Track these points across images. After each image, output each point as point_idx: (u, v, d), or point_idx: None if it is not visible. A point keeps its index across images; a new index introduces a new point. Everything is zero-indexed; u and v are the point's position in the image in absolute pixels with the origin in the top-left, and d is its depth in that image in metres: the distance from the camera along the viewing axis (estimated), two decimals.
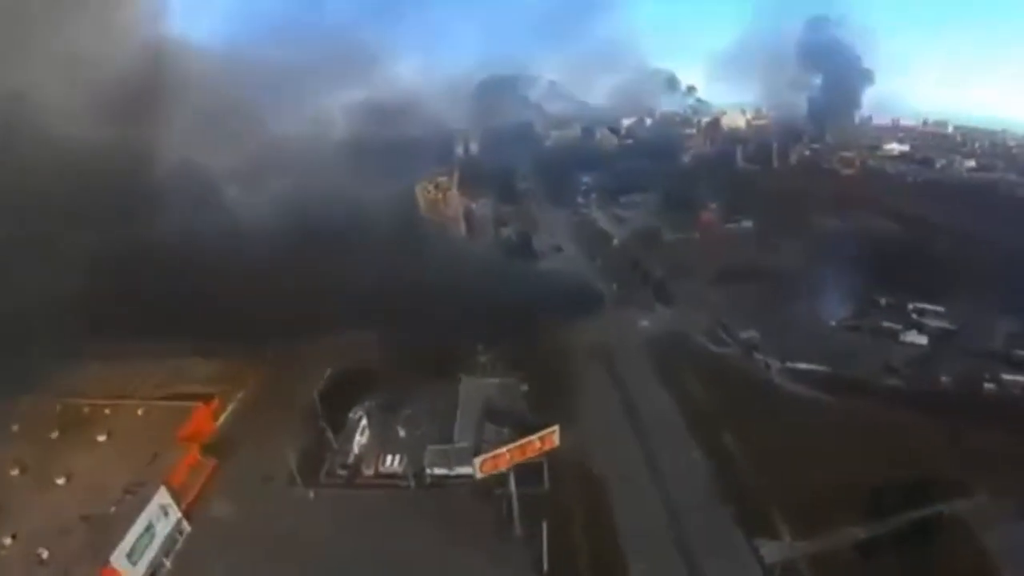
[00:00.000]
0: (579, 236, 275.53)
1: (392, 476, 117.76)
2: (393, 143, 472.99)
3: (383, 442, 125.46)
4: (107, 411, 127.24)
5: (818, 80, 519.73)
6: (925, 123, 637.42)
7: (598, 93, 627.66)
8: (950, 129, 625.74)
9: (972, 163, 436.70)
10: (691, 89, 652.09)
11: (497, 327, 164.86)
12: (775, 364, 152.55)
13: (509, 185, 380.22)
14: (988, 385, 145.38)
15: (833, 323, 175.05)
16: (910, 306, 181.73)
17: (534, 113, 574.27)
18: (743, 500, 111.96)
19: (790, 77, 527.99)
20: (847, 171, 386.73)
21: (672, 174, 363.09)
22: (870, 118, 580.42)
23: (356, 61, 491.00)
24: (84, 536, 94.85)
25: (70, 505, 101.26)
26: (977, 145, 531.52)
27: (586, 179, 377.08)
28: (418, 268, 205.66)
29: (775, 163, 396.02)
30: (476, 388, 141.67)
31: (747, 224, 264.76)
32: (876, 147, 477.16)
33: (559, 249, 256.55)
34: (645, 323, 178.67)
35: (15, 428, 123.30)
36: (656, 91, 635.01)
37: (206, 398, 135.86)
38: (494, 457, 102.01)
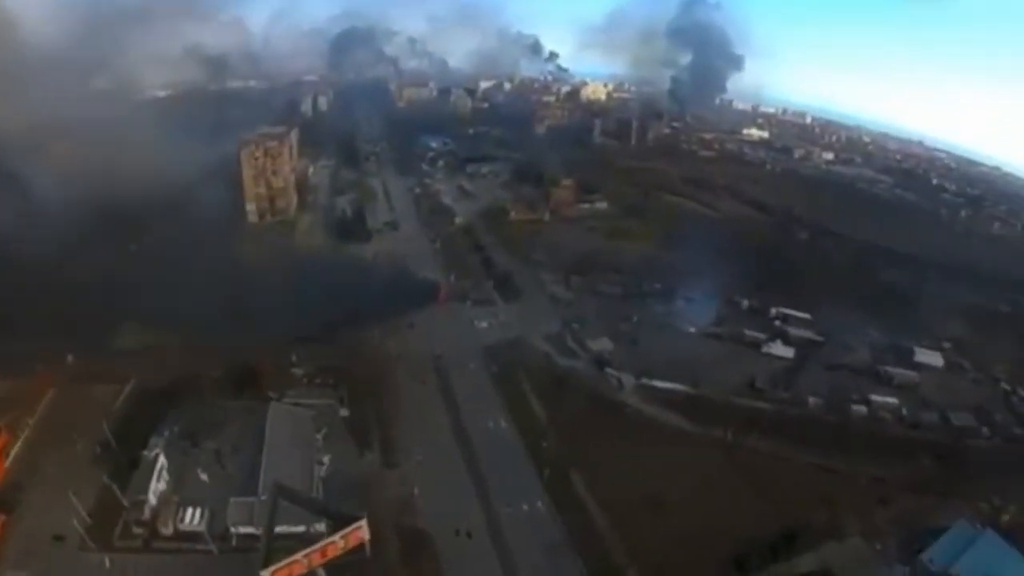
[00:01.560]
0: (420, 210, 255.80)
1: (193, 536, 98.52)
2: (228, 97, 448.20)
3: (183, 487, 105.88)
4: None
5: (686, 60, 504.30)
6: (784, 112, 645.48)
7: (459, 54, 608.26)
8: (808, 120, 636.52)
9: (830, 155, 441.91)
10: (553, 56, 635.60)
11: (317, 328, 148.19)
12: (628, 381, 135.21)
13: (353, 147, 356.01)
14: (856, 407, 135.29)
15: (693, 330, 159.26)
16: (773, 311, 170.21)
17: (390, 70, 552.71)
18: (591, 556, 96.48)
19: (658, 54, 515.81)
20: (706, 153, 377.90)
21: (526, 144, 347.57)
22: (731, 102, 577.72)
23: (195, 3, 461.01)
24: None
25: None
26: (835, 138, 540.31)
27: (434, 144, 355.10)
28: (231, 255, 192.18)
29: (633, 140, 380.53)
30: (286, 417, 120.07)
31: (601, 205, 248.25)
32: (735, 132, 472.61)
33: (395, 227, 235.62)
34: (484, 324, 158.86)
35: None
36: (518, 56, 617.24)
37: None
38: (289, 566, 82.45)
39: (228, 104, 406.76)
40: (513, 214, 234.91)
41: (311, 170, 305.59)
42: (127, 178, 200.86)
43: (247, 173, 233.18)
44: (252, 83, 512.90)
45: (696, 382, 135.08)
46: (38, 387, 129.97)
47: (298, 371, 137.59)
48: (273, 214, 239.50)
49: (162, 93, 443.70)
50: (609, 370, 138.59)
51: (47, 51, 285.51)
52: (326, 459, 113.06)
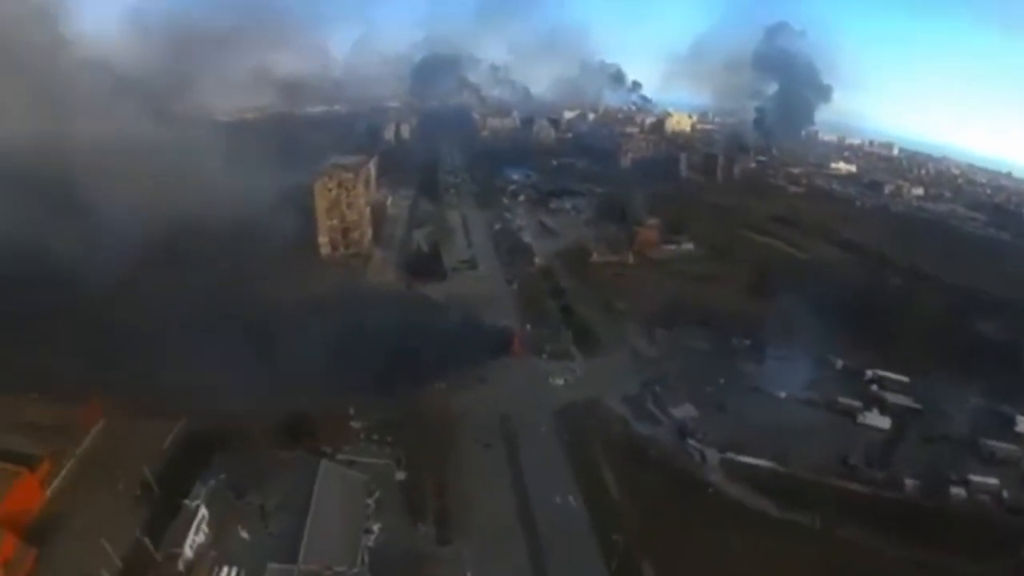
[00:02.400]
0: (499, 248, 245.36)
1: None
2: (310, 122, 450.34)
3: (222, 543, 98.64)
4: None
5: (772, 91, 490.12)
6: (871, 144, 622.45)
7: (541, 82, 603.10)
8: (895, 151, 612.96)
9: (920, 191, 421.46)
10: (636, 85, 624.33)
11: (380, 377, 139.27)
12: (712, 455, 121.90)
13: (434, 178, 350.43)
14: (955, 490, 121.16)
15: (783, 394, 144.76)
16: (869, 373, 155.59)
17: (473, 97, 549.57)
18: None
19: (743, 84, 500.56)
20: (794, 189, 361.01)
21: (610, 177, 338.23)
22: (816, 133, 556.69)
23: (276, 28, 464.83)
24: None
25: None
26: (923, 171, 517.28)
27: (516, 176, 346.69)
28: (298, 290, 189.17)
29: (719, 175, 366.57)
30: (337, 478, 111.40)
31: (687, 246, 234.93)
32: (822, 165, 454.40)
33: (472, 266, 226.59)
34: (559, 382, 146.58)
35: None
36: (601, 85, 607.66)
37: (33, 461, 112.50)
38: None
39: (309, 129, 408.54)
40: (595, 255, 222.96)
41: (389, 200, 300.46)
42: (199, 204, 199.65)
43: (320, 205, 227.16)
44: (336, 107, 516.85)
45: (784, 457, 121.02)
46: (88, 417, 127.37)
47: (356, 424, 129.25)
48: (346, 247, 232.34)
49: (249, 115, 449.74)
50: (691, 441, 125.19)
51: (126, 74, 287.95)
52: (376, 527, 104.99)
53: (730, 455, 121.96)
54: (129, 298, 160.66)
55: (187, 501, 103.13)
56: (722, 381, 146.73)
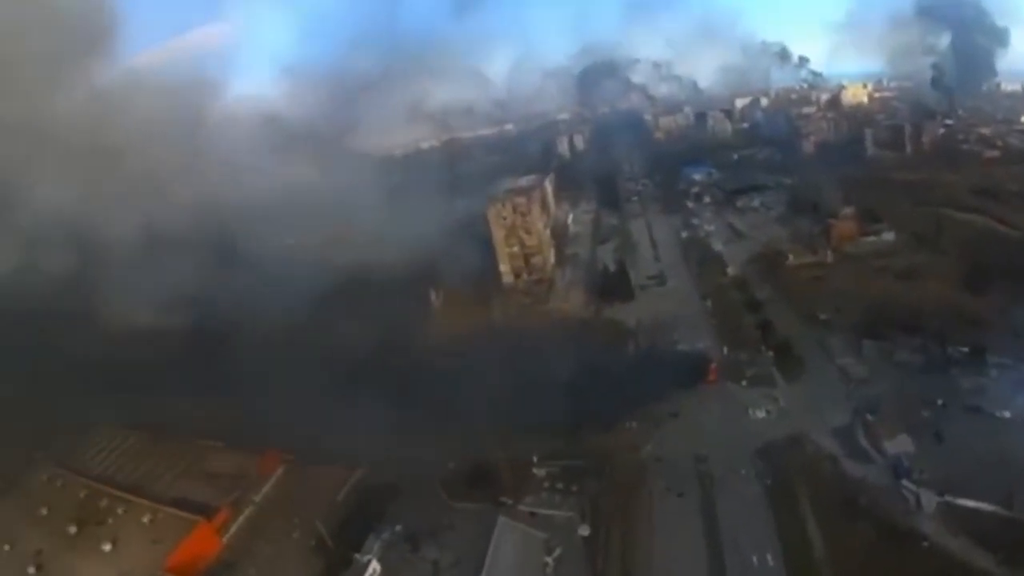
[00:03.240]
0: (687, 258, 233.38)
1: None
2: (483, 145, 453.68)
3: None
4: (120, 510, 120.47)
5: (944, 43, 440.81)
6: None
7: (706, 72, 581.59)
8: None
9: None
10: (803, 61, 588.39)
11: (565, 418, 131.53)
12: (929, 499, 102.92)
13: (614, 188, 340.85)
14: None
15: (1008, 414, 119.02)
16: None
17: (642, 99, 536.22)
18: None
19: (913, 42, 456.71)
20: (989, 153, 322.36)
21: (794, 166, 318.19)
22: (999, 84, 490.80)
23: (437, 61, 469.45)
24: None
25: None
26: None
27: (697, 176, 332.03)
28: (478, 327, 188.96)
29: (908, 148, 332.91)
30: (514, 536, 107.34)
31: (888, 236, 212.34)
32: (1010, 121, 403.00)
33: (661, 281, 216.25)
34: (760, 414, 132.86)
35: (43, 512, 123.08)
36: (767, 66, 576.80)
37: (211, 510, 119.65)
38: None
39: (482, 153, 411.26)
40: (791, 258, 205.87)
41: (570, 218, 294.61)
42: (371, 244, 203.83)
43: (497, 233, 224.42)
44: (508, 127, 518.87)
45: (1010, 499, 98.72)
46: (266, 465, 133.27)
47: (539, 472, 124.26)
48: (529, 273, 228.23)
49: (423, 145, 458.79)
50: (906, 483, 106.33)
51: (293, 126, 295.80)
52: None
53: (948, 498, 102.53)
54: (304, 347, 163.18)
55: (359, 555, 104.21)
56: (940, 402, 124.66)
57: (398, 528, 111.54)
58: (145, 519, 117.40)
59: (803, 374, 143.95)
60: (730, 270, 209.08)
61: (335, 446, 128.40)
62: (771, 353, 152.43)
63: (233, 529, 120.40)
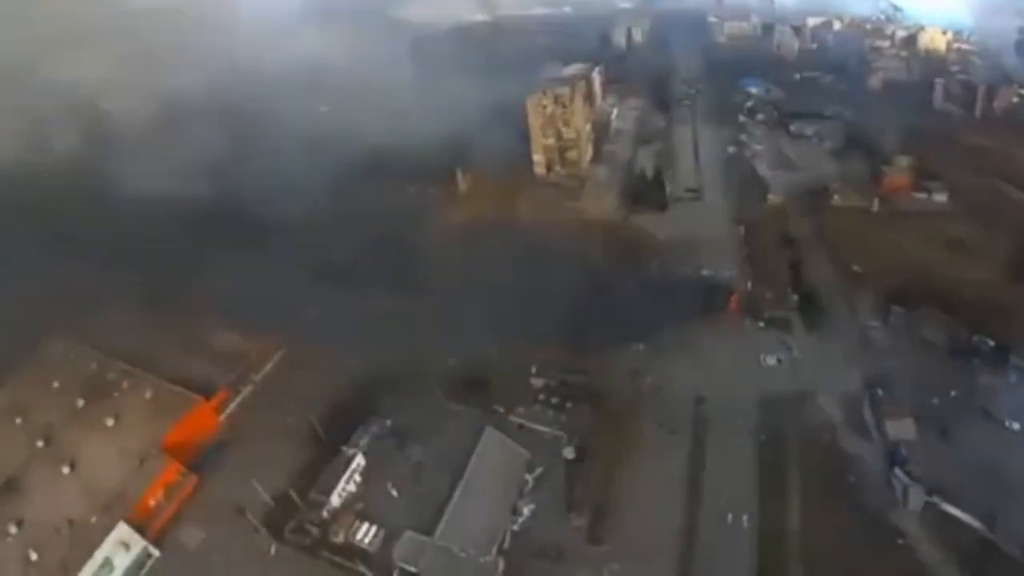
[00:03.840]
0: (729, 176, 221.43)
1: (359, 555, 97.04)
2: (539, 24, 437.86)
3: (368, 497, 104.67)
4: (125, 384, 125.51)
5: None
6: None
7: None
8: None
9: None
10: None
11: (574, 328, 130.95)
12: (916, 496, 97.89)
13: (666, 89, 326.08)
14: None
15: (1016, 426, 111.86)
16: None
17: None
18: None
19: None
20: None
21: (858, 100, 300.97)
22: None
23: None
24: (65, 545, 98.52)
25: (64, 501, 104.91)
26: None
27: (754, 90, 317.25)
28: (499, 218, 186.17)
29: (978, 109, 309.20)
30: (499, 449, 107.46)
31: (941, 197, 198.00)
32: None
33: (698, 196, 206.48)
34: (772, 361, 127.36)
35: (56, 384, 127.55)
36: None
37: (211, 389, 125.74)
38: None
39: (535, 34, 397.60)
40: (836, 198, 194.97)
41: (614, 113, 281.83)
42: (404, 118, 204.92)
43: (534, 122, 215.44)
44: (566, 8, 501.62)
45: (992, 519, 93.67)
46: (268, 346, 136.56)
47: (535, 383, 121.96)
48: (563, 166, 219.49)
49: (479, 17, 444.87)
50: (898, 473, 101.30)
51: None
52: (527, 510, 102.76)
53: (935, 500, 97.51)
54: (321, 228, 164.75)
55: (345, 448, 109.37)
56: (952, 394, 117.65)
57: (388, 423, 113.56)
58: (148, 394, 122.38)
59: (824, 327, 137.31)
60: (771, 198, 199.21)
61: (338, 332, 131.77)
62: (796, 297, 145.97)
63: (231, 408, 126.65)
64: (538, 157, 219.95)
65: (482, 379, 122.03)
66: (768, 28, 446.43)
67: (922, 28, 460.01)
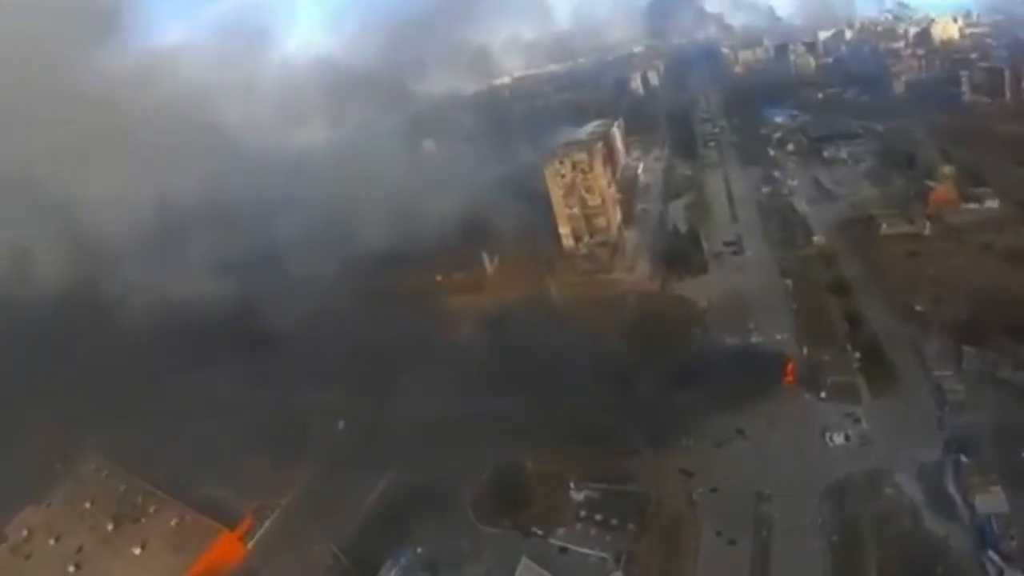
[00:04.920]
0: (767, 220, 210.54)
1: None
2: (553, 81, 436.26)
3: None
4: (152, 509, 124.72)
5: None
6: None
7: (784, 2, 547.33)
8: None
9: None
10: None
11: (614, 427, 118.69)
12: None
13: (689, 131, 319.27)
14: None
15: None
16: None
17: (718, 28, 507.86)
18: None
19: None
20: None
21: (884, 108, 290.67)
22: None
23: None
24: None
25: None
26: None
27: (780, 119, 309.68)
28: (528, 302, 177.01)
29: (1007, 94, 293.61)
30: None
31: (991, 204, 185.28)
32: None
33: (738, 249, 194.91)
34: (839, 439, 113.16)
35: (87, 505, 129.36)
36: None
37: (236, 518, 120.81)
38: None
39: (553, 90, 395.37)
40: (884, 227, 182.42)
41: (640, 167, 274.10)
42: (418, 202, 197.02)
43: (555, 192, 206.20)
44: (581, 60, 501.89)
45: None
46: (295, 469, 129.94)
47: (576, 496, 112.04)
48: (591, 235, 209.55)
49: (496, 82, 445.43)
50: (991, 555, 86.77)
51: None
52: None
53: None
54: (335, 334, 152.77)
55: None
56: None
57: (419, 551, 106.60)
58: (173, 522, 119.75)
59: (892, 387, 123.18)
60: (816, 238, 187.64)
61: (364, 446, 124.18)
62: (857, 355, 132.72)
63: (258, 535, 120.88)
64: (564, 229, 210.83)
65: (518, 494, 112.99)
66: (782, 49, 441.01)
67: (932, 20, 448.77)
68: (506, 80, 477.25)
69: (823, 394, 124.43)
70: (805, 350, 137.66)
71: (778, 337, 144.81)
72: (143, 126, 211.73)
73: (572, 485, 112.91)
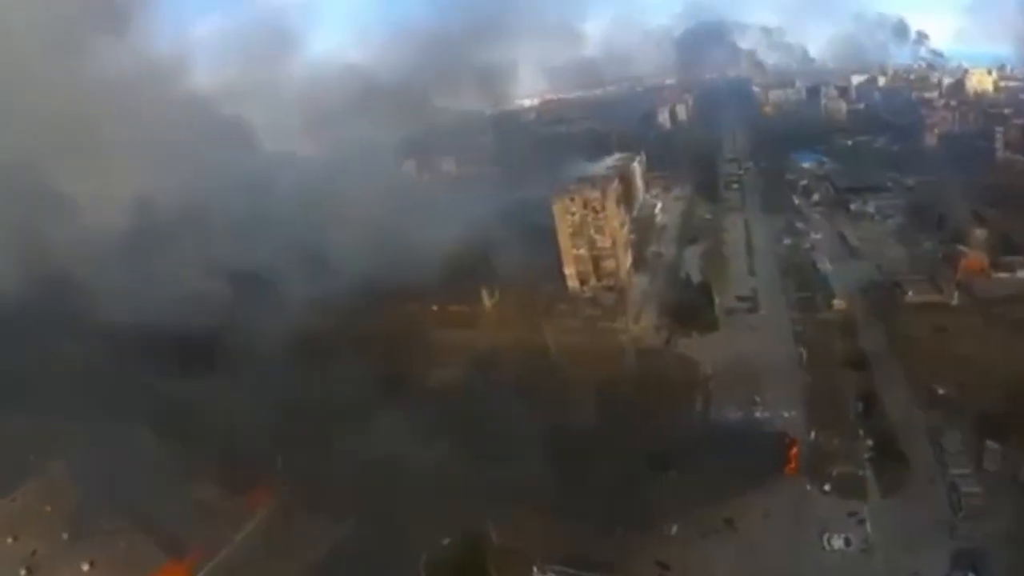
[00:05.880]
0: (787, 277, 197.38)
1: None
2: (583, 106, 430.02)
3: None
4: (105, 524, 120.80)
5: None
6: None
7: (819, 43, 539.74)
8: None
9: None
10: (922, 37, 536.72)
11: (591, 503, 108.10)
12: None
13: (713, 171, 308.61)
14: None
15: None
16: None
17: (750, 66, 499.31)
18: None
19: None
20: None
21: (916, 162, 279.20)
22: None
23: (529, 17, 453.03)
24: None
25: None
26: None
27: (807, 164, 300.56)
28: (521, 350, 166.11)
29: None
30: None
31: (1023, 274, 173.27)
32: None
33: (753, 307, 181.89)
34: (839, 543, 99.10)
35: (47, 509, 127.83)
36: (883, 40, 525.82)
37: (183, 548, 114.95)
38: None
39: (579, 116, 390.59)
40: (910, 293, 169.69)
41: (658, 207, 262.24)
42: (418, 226, 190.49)
43: (563, 231, 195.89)
44: (610, 88, 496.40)
45: None
46: (251, 503, 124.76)
47: None
48: (599, 279, 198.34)
49: (526, 103, 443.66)
50: None
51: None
52: None
53: None
54: (317, 365, 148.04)
55: None
56: None
57: None
58: (123, 544, 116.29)
59: (904, 484, 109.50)
60: (836, 302, 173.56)
61: (328, 489, 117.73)
62: (869, 443, 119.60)
63: (207, 568, 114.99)
64: (569, 270, 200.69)
65: (476, 570, 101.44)
66: (813, 92, 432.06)
67: (967, 71, 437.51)
68: (534, 102, 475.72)
69: (827, 486, 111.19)
70: (813, 434, 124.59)
71: (785, 414, 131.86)
72: (154, 122, 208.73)
73: (536, 567, 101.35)
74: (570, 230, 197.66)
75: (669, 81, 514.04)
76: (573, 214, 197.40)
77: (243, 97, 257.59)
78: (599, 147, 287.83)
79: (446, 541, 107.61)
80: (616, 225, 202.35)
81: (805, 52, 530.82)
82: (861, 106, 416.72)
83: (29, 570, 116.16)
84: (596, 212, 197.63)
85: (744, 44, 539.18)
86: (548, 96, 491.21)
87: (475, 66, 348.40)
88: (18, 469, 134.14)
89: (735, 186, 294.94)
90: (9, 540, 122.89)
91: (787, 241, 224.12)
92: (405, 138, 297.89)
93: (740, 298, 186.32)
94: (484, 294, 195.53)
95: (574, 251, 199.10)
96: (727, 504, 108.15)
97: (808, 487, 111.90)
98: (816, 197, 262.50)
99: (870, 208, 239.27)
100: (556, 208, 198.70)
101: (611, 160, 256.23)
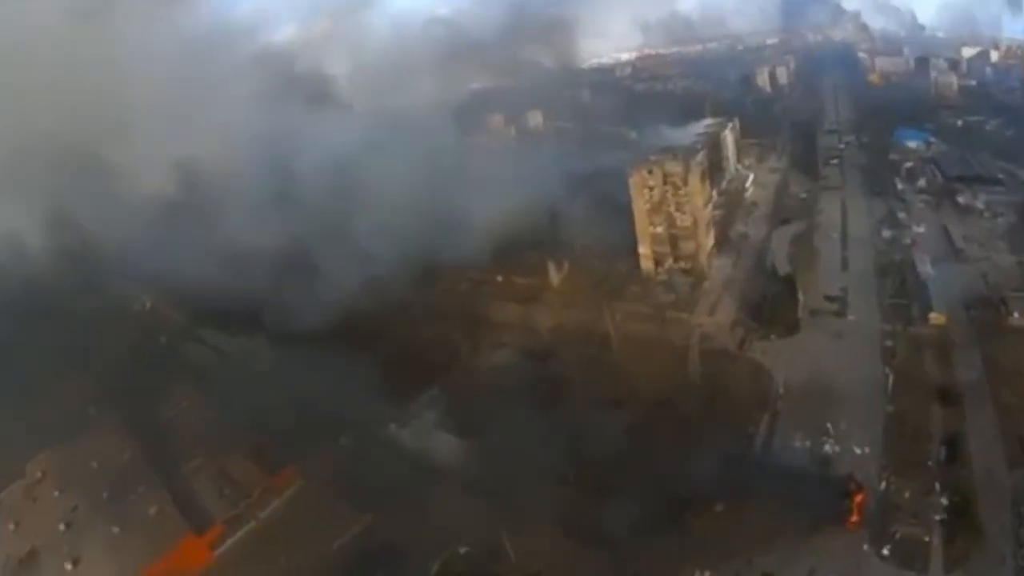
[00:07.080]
0: (883, 277, 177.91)
1: None
2: (680, 62, 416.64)
3: None
4: (140, 488, 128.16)
5: None
6: None
7: (928, 8, 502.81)
8: None
9: None
10: None
11: (619, 534, 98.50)
12: None
13: (812, 144, 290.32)
14: None
15: None
16: None
17: (855, 30, 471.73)
18: None
19: None
20: None
21: None
22: None
23: None
24: None
25: None
26: None
27: (913, 144, 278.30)
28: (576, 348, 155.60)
29: None
30: None
31: None
32: None
33: (840, 310, 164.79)
34: None
35: (95, 465, 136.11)
36: (997, 11, 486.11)
37: (207, 522, 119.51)
38: None
39: (677, 74, 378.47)
40: (1016, 316, 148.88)
41: (750, 180, 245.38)
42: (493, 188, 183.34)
43: (639, 207, 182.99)
44: (711, 45, 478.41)
45: None
46: (280, 482, 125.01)
47: None
48: (676, 259, 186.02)
49: (623, 56, 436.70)
50: None
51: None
52: None
53: None
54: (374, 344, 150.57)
55: None
56: None
57: None
58: (153, 510, 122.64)
59: (972, 557, 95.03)
60: (933, 315, 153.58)
61: (356, 476, 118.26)
62: (944, 501, 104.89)
63: (228, 543, 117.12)
64: (644, 249, 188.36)
65: None
66: (922, 63, 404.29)
67: None
68: (631, 56, 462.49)
69: (886, 550, 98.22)
70: (884, 482, 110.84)
71: (857, 451, 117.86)
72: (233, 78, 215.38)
73: None
74: (647, 206, 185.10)
75: (771, 41, 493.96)
76: (651, 188, 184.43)
77: (326, 51, 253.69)
78: (692, 110, 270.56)
79: (463, 550, 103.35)
80: (699, 203, 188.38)
81: (914, 17, 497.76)
82: (972, 82, 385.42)
83: (68, 525, 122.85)
84: (677, 188, 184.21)
85: (848, 4, 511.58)
86: (646, 51, 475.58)
87: (564, 20, 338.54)
88: (78, 419, 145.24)
89: (835, 162, 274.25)
90: (56, 493, 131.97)
91: (886, 233, 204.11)
92: (492, 91, 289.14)
93: (828, 298, 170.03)
94: (551, 268, 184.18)
95: (651, 229, 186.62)
96: (769, 554, 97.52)
97: (865, 547, 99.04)
98: (922, 183, 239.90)
99: (979, 203, 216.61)
100: (633, 181, 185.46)
101: (701, 125, 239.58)
